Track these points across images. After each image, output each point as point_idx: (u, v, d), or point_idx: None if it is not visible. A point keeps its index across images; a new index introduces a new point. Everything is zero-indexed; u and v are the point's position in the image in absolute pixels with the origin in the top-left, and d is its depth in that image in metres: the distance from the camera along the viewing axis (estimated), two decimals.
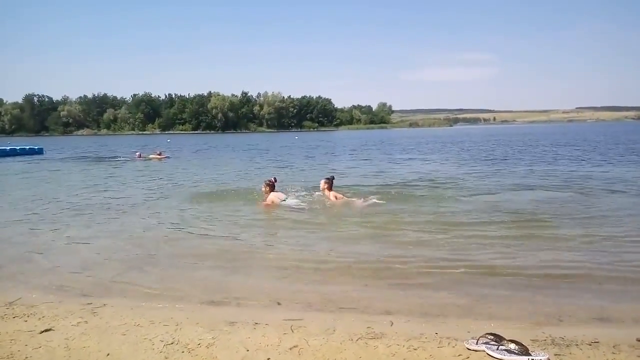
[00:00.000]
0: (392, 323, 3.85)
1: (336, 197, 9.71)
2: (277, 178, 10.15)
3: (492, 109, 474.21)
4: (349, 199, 9.82)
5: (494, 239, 6.56)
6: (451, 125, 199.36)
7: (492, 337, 3.25)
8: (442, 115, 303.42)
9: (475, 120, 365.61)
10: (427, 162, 21.37)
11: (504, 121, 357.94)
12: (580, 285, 4.78)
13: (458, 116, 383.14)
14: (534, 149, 28.94)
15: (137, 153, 27.82)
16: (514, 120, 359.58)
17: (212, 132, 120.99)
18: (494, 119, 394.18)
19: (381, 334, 3.59)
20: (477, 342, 3.23)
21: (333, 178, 10.09)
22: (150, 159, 25.57)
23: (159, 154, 26.47)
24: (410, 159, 23.68)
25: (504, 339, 3.20)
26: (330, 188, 9.82)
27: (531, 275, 5.04)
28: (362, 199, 9.64)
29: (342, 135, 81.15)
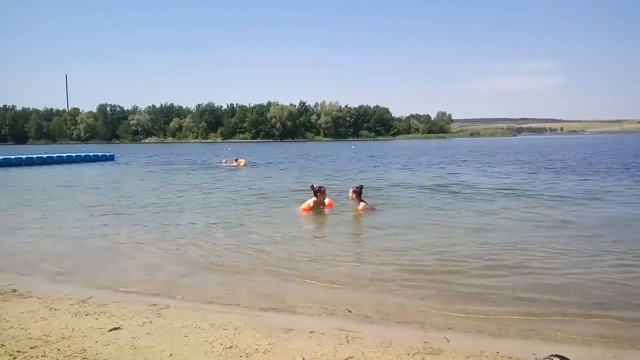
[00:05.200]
0: (449, 340, 3.75)
1: (366, 208, 9.67)
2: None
3: (559, 118, 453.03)
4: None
5: (564, 253, 6.25)
6: (514, 135, 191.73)
7: (558, 359, 3.09)
8: (504, 125, 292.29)
9: (540, 130, 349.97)
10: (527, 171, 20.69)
11: (572, 131, 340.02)
12: None
13: (522, 126, 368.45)
14: None
15: (233, 159, 28.59)
16: (583, 131, 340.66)
17: (270, 140, 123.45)
18: (562, 129, 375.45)
19: (439, 349, 3.52)
20: None
21: (362, 187, 9.95)
22: (235, 166, 26.29)
23: (236, 160, 27.48)
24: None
25: None
26: (359, 197, 9.76)
27: (602, 295, 4.76)
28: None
29: (405, 144, 78.19)
